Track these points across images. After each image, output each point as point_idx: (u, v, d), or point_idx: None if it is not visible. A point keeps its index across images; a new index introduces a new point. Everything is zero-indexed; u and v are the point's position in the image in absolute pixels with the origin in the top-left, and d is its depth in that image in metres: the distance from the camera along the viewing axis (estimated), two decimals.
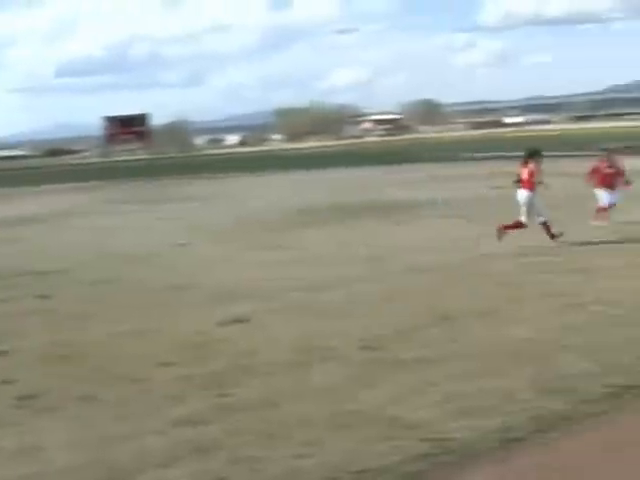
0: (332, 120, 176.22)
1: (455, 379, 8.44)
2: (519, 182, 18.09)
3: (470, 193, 30.60)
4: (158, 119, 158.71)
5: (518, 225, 17.73)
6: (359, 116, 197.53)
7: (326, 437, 7.12)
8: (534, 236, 17.63)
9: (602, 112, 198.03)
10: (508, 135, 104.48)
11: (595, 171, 20.58)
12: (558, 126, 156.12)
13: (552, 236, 17.36)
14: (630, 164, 40.67)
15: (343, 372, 9.01)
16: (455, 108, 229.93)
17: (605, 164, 20.50)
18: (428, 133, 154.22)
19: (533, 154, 18.22)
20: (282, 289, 14.03)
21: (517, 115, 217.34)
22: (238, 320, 11.76)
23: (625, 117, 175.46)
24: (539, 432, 6.98)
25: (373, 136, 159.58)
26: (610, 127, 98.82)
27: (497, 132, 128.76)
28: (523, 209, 17.80)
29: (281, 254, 18.21)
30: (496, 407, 7.56)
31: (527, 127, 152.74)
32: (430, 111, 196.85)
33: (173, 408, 8.09)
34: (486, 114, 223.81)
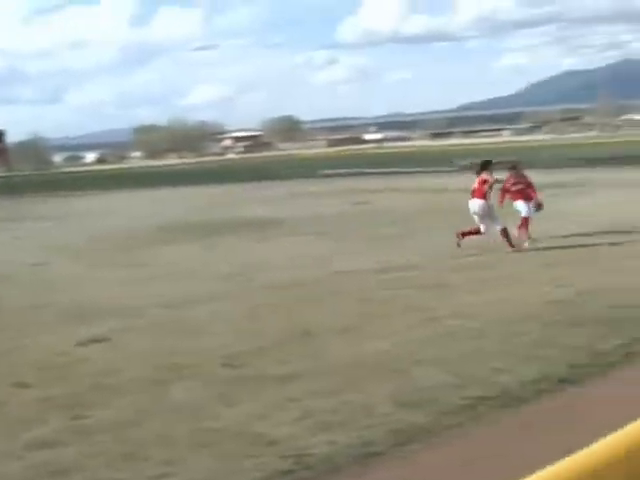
0: (192, 137, 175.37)
1: (316, 395, 8.50)
2: (472, 192, 18.52)
3: (331, 210, 30.89)
4: (15, 136, 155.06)
5: (476, 232, 18.37)
6: (220, 133, 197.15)
7: (188, 456, 7.08)
8: (394, 252, 17.94)
9: (458, 129, 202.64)
10: (368, 152, 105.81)
11: (505, 191, 19.88)
12: (416, 143, 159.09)
13: (511, 244, 18.05)
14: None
15: (205, 390, 8.97)
16: (316, 125, 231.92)
17: (512, 180, 19.94)
18: (289, 150, 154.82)
19: (485, 165, 18.80)
20: (142, 307, 13.90)
21: (377, 132, 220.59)
22: (98, 339, 11.61)
23: (480, 134, 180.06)
24: (398, 445, 7.09)
25: (233, 153, 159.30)
26: (466, 144, 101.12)
27: (357, 149, 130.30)
28: (476, 218, 18.37)
29: (141, 271, 18.03)
30: (356, 421, 7.65)
31: (386, 144, 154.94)
32: (290, 128, 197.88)
33: (29, 431, 7.92)
34: (347, 131, 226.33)
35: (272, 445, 7.20)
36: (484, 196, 18.25)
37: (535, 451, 6.74)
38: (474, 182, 18.63)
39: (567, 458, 1.91)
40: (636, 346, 9.82)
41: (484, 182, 18.31)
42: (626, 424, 2.04)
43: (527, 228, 19.21)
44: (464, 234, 18.46)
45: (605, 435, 1.98)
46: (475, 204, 18.35)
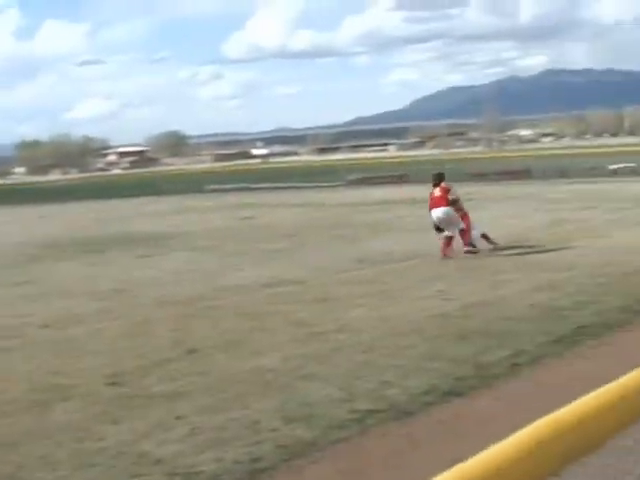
0: (77, 153, 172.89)
1: (202, 412, 8.41)
2: (434, 202, 19.31)
3: (218, 225, 30.77)
4: None
5: (449, 240, 19.00)
6: (105, 148, 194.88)
7: (71, 477, 6.91)
8: (280, 266, 17.93)
9: (345, 144, 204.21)
10: (255, 167, 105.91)
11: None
12: (303, 157, 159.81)
13: (472, 246, 18.84)
14: (372, 194, 42.35)
15: (88, 409, 8.79)
16: (202, 140, 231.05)
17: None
18: (174, 165, 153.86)
19: (441, 176, 20.05)
20: (20, 326, 13.59)
21: (264, 147, 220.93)
22: None
23: (367, 148, 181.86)
24: (286, 460, 7.05)
25: (119, 168, 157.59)
26: (353, 158, 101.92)
27: (244, 164, 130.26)
28: (442, 225, 19.16)
29: (19, 290, 17.63)
30: (243, 437, 7.58)
31: (273, 159, 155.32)
32: (176, 143, 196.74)
33: None
34: (234, 146, 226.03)
35: (158, 464, 7.08)
36: (447, 203, 19.11)
37: (422, 462, 6.78)
38: (433, 193, 19.54)
39: (474, 457, 1.92)
40: (521, 357, 9.98)
41: (447, 191, 19.33)
42: (510, 435, 2.03)
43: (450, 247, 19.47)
44: (446, 247, 18.96)
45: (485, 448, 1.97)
46: (439, 211, 19.13)
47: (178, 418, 8.26)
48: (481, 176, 50.63)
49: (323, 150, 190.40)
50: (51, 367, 10.75)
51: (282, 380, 9.46)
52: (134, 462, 7.17)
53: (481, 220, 21.25)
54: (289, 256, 20.57)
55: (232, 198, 47.11)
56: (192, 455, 7.25)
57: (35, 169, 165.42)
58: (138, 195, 57.01)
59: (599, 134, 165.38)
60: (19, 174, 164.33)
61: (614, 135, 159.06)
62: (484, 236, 19.51)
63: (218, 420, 8.11)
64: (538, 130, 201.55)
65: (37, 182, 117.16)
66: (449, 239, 19.01)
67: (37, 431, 8.15)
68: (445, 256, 18.65)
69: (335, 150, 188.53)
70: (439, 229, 19.35)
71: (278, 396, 8.82)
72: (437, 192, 19.42)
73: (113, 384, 9.75)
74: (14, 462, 7.30)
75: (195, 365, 10.41)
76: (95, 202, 54.06)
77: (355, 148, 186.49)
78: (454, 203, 19.38)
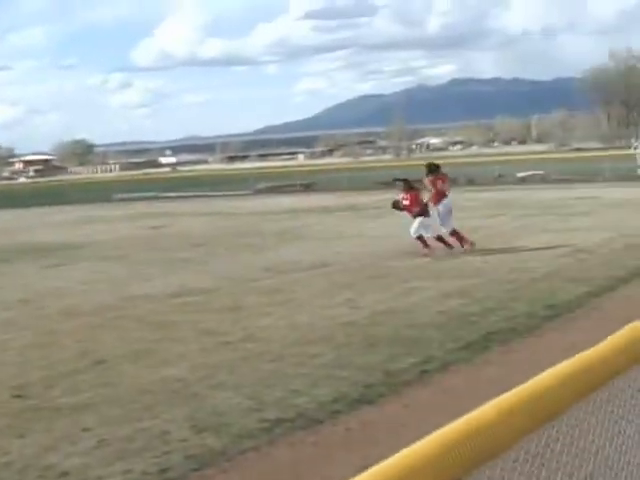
0: None
1: (110, 423, 8.32)
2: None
3: (126, 234, 30.46)
4: None
5: (459, 237, 19.91)
6: (10, 157, 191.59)
7: None
8: (188, 276, 17.84)
9: (254, 152, 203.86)
10: (163, 176, 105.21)
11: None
12: (212, 166, 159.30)
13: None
14: (280, 203, 42.39)
15: None
16: (110, 148, 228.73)
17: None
18: (81, 174, 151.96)
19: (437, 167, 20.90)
20: None
21: (172, 155, 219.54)
22: None
23: (276, 157, 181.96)
24: (194, 470, 7.03)
25: (24, 177, 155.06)
26: (261, 167, 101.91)
27: (152, 172, 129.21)
28: (444, 221, 19.87)
29: None
30: (152, 448, 7.53)
31: (182, 167, 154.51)
32: (83, 152, 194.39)
33: None
34: (142, 154, 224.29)
35: (64, 476, 7.00)
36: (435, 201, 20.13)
37: (331, 469, 6.80)
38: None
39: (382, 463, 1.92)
40: (430, 364, 10.07)
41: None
42: (418, 440, 2.04)
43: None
44: (459, 239, 19.86)
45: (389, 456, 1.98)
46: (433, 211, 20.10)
47: (85, 430, 8.17)
48: (388, 184, 50.98)
49: (232, 158, 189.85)
50: None
51: (191, 390, 9.42)
52: (40, 475, 7.07)
53: (388, 229, 21.38)
54: (198, 265, 20.46)
55: (141, 207, 46.68)
56: (99, 467, 7.17)
57: None
58: (44, 204, 55.93)
59: (507, 142, 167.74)
60: None
61: (522, 143, 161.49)
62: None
63: (126, 431, 8.04)
64: (447, 138, 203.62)
65: None
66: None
67: None
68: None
69: (244, 159, 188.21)
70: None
71: (187, 406, 8.77)
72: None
73: (19, 396, 9.60)
74: None
75: (103, 376, 10.30)
76: None
77: (264, 157, 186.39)
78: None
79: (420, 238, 19.74)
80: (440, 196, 20.07)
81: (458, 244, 19.75)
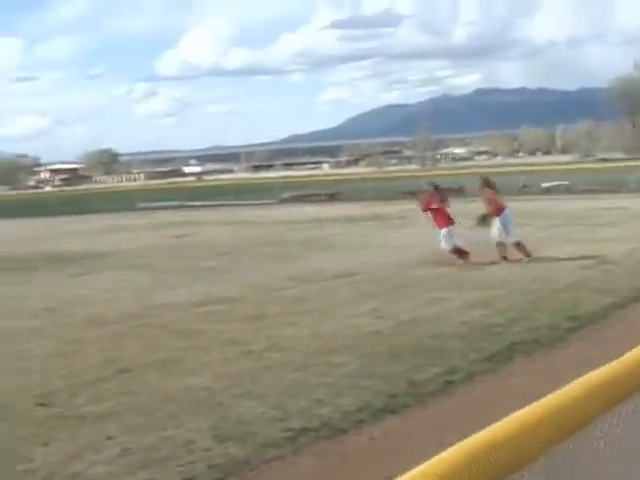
0: (8, 170, 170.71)
1: (133, 432, 8.34)
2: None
3: (151, 243, 30.55)
4: None
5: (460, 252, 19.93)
6: (37, 166, 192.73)
7: None
8: (213, 285, 17.86)
9: (279, 162, 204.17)
10: (188, 185, 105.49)
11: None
12: (237, 175, 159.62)
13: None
14: (305, 212, 42.38)
15: (19, 430, 8.67)
16: (136, 157, 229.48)
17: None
18: (107, 183, 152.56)
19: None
20: None
21: (197, 165, 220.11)
22: None
23: (301, 166, 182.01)
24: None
25: (50, 186, 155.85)
26: (286, 176, 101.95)
27: (177, 181, 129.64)
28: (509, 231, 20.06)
29: None
30: (176, 458, 7.54)
31: (207, 176, 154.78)
32: (109, 161, 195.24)
33: None
34: (167, 164, 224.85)
35: None
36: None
37: (356, 479, 6.78)
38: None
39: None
40: (454, 375, 10.04)
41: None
42: (443, 451, 2.04)
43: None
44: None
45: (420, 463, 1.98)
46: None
47: (109, 438, 8.19)
48: (413, 194, 50.94)
49: (257, 168, 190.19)
50: None
51: (215, 399, 9.42)
52: None
53: (412, 238, 21.35)
54: (222, 274, 20.47)
55: (165, 216, 46.82)
56: (123, 476, 7.18)
57: None
58: (69, 213, 56.21)
59: (532, 152, 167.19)
60: None
61: (546, 153, 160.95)
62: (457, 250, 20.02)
63: (150, 440, 8.05)
64: (472, 148, 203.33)
65: None
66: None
67: None
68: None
69: (269, 168, 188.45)
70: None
71: (211, 415, 8.78)
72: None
73: (43, 404, 9.63)
74: None
75: (127, 384, 10.32)
76: (26, 220, 53.24)
77: (289, 166, 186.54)
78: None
79: (455, 249, 19.79)
80: (500, 209, 20.18)
81: (522, 254, 19.65)
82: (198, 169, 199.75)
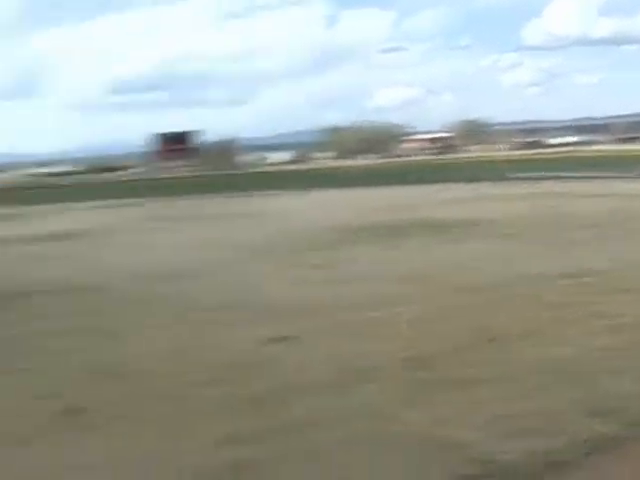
0: (380, 139, 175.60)
1: (502, 400, 8.41)
2: None
3: (520, 212, 30.22)
4: (206, 136, 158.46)
5: None
6: (406, 134, 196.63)
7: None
8: (580, 257, 17.58)
9: None
10: (554, 156, 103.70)
11: None
12: (603, 147, 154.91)
13: None
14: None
15: (387, 392, 9.00)
16: (503, 127, 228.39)
17: None
18: (474, 152, 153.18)
19: None
20: (329, 307, 13.98)
21: (562, 135, 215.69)
22: (285, 338, 11.71)
23: None
24: (587, 455, 7.02)
25: (421, 154, 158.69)
26: None
27: (545, 152, 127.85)
28: None
29: (329, 273, 18.12)
30: (542, 428, 7.55)
31: (573, 147, 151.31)
32: (476, 131, 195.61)
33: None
34: (534, 134, 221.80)
35: (461, 449, 7.19)
36: None
37: None
38: None
39: None
40: None
41: None
42: None
43: None
44: None
45: None
46: None
47: (477, 404, 8.31)
48: None
49: (624, 140, 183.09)
50: (351, 350, 10.99)
51: (582, 372, 9.30)
52: (438, 446, 7.32)
53: None
54: (593, 246, 20.01)
55: (534, 186, 46.17)
56: (491, 443, 7.26)
57: (340, 154, 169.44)
58: (437, 182, 56.43)
59: None
60: (324, 159, 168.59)
61: None
62: None
63: (518, 409, 8.10)
64: None
65: (344, 167, 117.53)
66: None
67: (342, 411, 8.45)
68: None
69: (634, 140, 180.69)
70: None
71: (579, 388, 8.68)
72: None
73: (412, 368, 9.88)
74: (315, 441, 7.66)
75: (495, 353, 10.40)
76: (396, 188, 53.81)
77: None
78: None
79: None
80: None
81: None
82: (562, 140, 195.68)
